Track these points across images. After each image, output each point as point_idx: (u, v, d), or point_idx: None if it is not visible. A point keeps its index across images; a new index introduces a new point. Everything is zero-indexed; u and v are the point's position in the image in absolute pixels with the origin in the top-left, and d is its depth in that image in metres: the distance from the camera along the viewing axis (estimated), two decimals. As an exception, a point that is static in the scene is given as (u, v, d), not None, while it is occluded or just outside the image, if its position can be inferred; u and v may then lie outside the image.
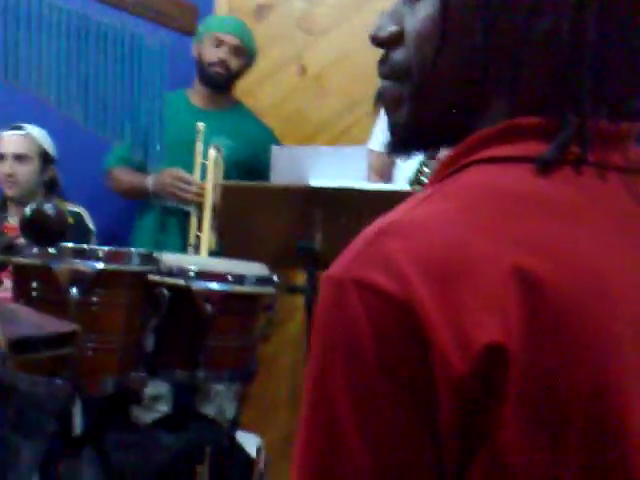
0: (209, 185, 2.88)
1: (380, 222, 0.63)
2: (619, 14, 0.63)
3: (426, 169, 2.55)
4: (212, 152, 2.88)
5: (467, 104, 0.69)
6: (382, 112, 3.11)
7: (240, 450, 2.51)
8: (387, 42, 0.73)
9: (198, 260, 2.20)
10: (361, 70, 3.20)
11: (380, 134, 2.88)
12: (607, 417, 0.59)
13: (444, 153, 0.71)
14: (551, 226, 0.61)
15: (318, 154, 2.59)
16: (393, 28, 0.72)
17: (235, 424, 2.58)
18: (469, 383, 0.56)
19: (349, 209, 2.39)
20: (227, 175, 2.89)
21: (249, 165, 3.01)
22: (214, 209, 2.84)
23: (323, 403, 0.60)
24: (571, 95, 0.64)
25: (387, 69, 0.73)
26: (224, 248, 2.64)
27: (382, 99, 0.74)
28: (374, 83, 0.76)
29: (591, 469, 0.59)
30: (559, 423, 0.58)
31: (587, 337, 0.58)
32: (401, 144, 0.75)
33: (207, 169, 2.89)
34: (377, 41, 0.73)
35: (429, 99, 0.70)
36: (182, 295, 2.08)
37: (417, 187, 2.56)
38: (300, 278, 2.69)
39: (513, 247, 0.59)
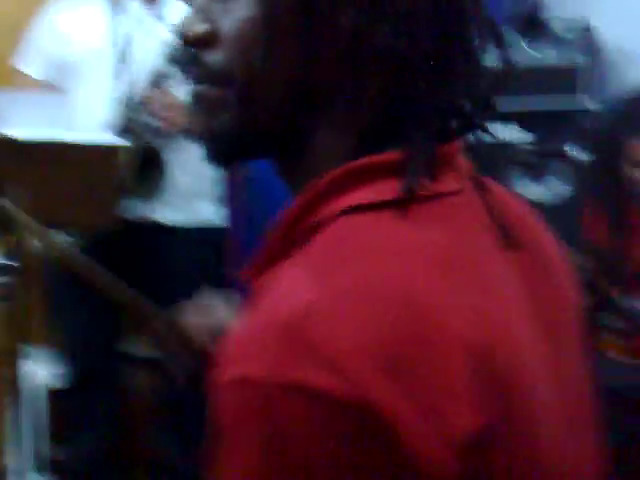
0: None
1: (277, 307, 0.53)
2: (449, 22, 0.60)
3: (132, 114, 2.40)
4: None
5: (302, 112, 0.63)
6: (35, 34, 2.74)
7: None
8: (197, 43, 0.65)
9: None
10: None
11: (37, 56, 2.60)
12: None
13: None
14: (459, 285, 0.56)
15: (10, 99, 2.35)
16: (204, 27, 0.64)
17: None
18: (457, 474, 0.51)
19: (48, 161, 2.22)
20: None
21: None
22: None
23: None
24: (414, 120, 0.60)
25: (202, 72, 0.65)
26: None
27: (198, 104, 0.66)
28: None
29: None
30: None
31: (523, 402, 0.57)
32: (223, 153, 0.67)
33: None
34: (186, 41, 0.65)
35: (258, 105, 0.63)
36: None
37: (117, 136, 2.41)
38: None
39: (453, 318, 0.54)
